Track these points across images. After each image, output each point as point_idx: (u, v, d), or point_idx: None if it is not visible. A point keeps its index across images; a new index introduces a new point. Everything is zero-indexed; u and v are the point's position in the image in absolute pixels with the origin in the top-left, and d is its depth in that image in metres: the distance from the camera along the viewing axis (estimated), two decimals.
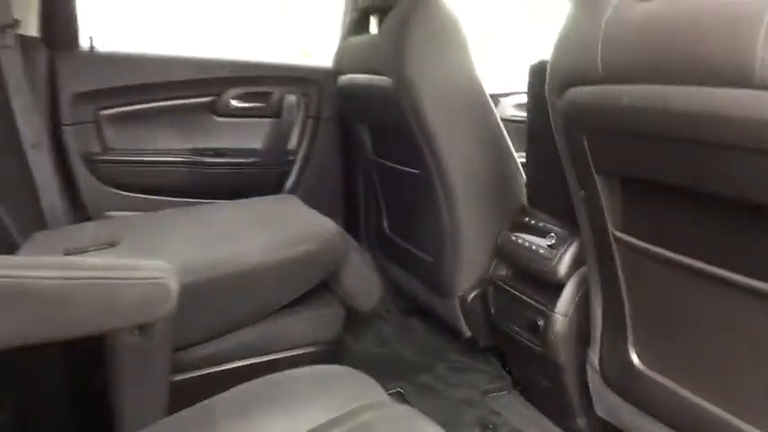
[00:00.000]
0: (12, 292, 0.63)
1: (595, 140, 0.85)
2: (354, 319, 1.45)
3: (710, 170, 0.70)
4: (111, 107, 1.58)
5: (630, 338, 0.98)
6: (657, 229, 0.86)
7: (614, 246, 0.92)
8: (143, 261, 0.74)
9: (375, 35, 1.45)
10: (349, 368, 0.82)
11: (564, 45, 0.88)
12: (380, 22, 1.43)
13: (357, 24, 1.61)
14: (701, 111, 0.63)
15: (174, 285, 0.74)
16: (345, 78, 1.54)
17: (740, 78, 0.58)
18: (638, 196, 0.87)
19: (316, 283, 1.28)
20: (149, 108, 1.61)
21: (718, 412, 0.84)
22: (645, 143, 0.76)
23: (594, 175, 0.88)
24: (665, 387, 0.93)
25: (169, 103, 1.63)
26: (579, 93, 0.82)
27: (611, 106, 0.77)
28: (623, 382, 1.03)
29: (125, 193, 1.60)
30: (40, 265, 0.66)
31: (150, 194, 1.61)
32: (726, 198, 0.70)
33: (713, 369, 0.87)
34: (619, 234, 0.91)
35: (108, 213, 1.55)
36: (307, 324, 1.27)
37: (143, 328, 0.81)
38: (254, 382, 0.83)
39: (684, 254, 0.81)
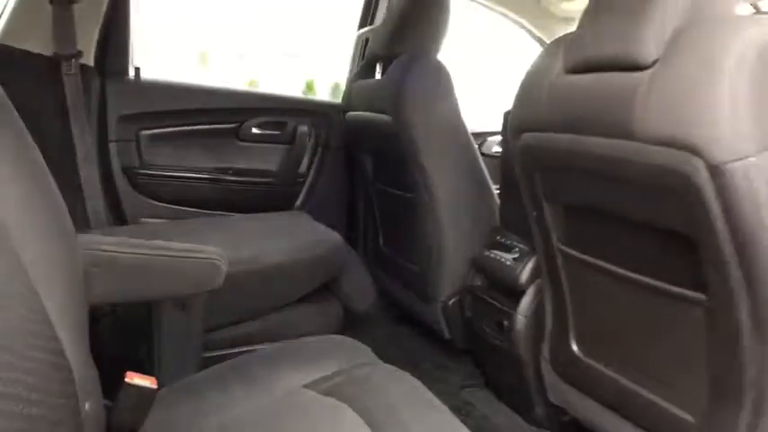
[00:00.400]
0: (111, 263, 0.88)
1: (542, 174, 1.10)
2: (351, 321, 1.69)
3: (622, 200, 0.95)
4: (150, 128, 1.78)
5: (573, 333, 1.19)
6: (592, 243, 1.07)
7: (559, 257, 1.16)
8: (202, 246, 0.99)
9: (380, 80, 1.72)
10: (347, 337, 1.04)
11: (521, 98, 1.12)
12: (384, 69, 1.71)
13: (365, 69, 1.88)
14: (607, 155, 0.89)
15: (224, 266, 0.98)
16: (353, 114, 1.81)
17: (625, 133, 0.84)
18: (577, 217, 1.09)
19: (320, 284, 1.53)
20: (182, 131, 1.82)
21: (643, 392, 1.04)
22: (577, 178, 1.02)
23: (543, 201, 1.13)
24: (602, 373, 1.13)
25: (200, 127, 1.84)
26: (531, 137, 1.08)
27: (552, 149, 1.03)
28: (569, 370, 1.23)
29: (158, 203, 1.80)
30: (131, 244, 0.90)
31: (179, 205, 1.81)
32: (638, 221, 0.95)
33: (638, 356, 1.06)
34: (562, 247, 1.14)
35: (143, 219, 1.76)
36: (312, 318, 1.51)
37: (185, 305, 1.05)
38: (267, 347, 1.04)
39: (613, 263, 1.03)
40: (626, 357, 1.09)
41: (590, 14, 0.97)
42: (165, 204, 1.82)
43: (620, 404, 1.12)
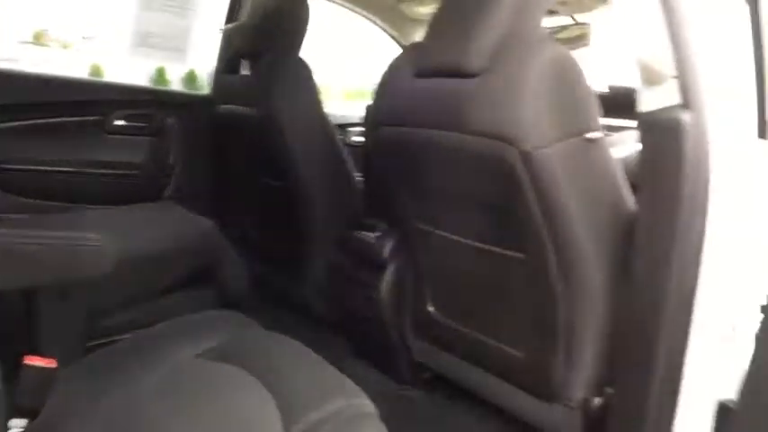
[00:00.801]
0: None
1: (398, 162, 1.28)
2: (228, 307, 1.76)
3: (460, 182, 1.16)
4: (6, 121, 1.72)
5: (429, 298, 1.38)
6: (441, 219, 1.25)
7: (415, 233, 1.32)
8: (83, 232, 1.03)
9: (248, 75, 1.82)
10: (234, 312, 1.14)
11: (380, 95, 1.27)
12: (252, 65, 1.80)
13: (231, 64, 1.96)
14: (447, 145, 1.08)
15: (108, 252, 1.03)
16: (222, 108, 1.89)
17: (460, 127, 1.04)
18: (428, 198, 1.26)
19: (193, 272, 1.60)
20: (45, 123, 1.78)
21: (487, 339, 1.24)
22: (425, 165, 1.20)
23: (399, 185, 1.31)
24: (455, 329, 1.33)
25: (63, 119, 1.80)
26: (388, 130, 1.24)
27: (406, 141, 1.20)
28: (428, 331, 1.42)
29: (23, 199, 1.75)
30: (8, 234, 0.93)
31: (45, 200, 1.77)
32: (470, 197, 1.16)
33: (481, 310, 1.27)
34: (417, 225, 1.31)
35: (6, 216, 1.71)
36: (187, 305, 1.57)
37: (67, 292, 1.09)
38: (154, 328, 1.09)
39: (458, 235, 1.22)
40: (473, 313, 1.30)
41: (433, 28, 1.15)
42: (29, 200, 1.77)
43: (470, 354, 1.32)
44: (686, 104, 0.88)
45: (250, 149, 1.88)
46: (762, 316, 0.80)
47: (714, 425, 0.89)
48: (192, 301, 1.61)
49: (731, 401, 0.85)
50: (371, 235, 1.59)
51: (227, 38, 2.03)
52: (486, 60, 1.01)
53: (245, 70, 1.90)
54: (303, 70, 1.68)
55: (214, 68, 2.10)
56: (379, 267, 1.54)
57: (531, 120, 0.95)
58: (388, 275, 1.53)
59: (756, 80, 0.93)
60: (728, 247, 0.89)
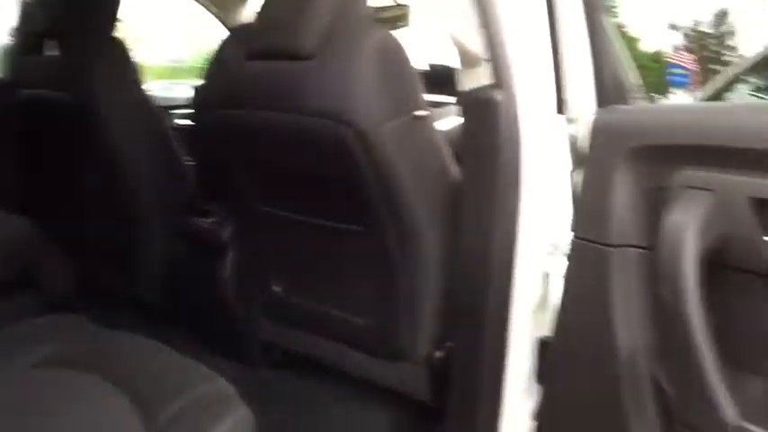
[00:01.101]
0: None
1: (234, 145, 1.27)
2: (55, 308, 1.63)
3: (300, 162, 1.18)
4: None
5: (274, 277, 1.39)
6: (282, 199, 1.26)
7: (256, 215, 1.32)
8: None
9: (56, 56, 1.65)
10: (64, 314, 1.07)
11: (210, 77, 1.24)
12: (62, 45, 1.64)
13: (31, 43, 1.76)
14: (285, 127, 1.10)
15: None
16: (25, 93, 1.70)
17: (297, 108, 1.07)
18: (268, 179, 1.26)
19: (14, 275, 1.46)
20: None
21: (333, 311, 1.28)
22: (263, 147, 1.21)
23: (238, 168, 1.30)
24: (301, 305, 1.36)
25: None
26: (222, 113, 1.22)
27: (241, 123, 1.19)
28: (274, 309, 1.43)
29: None
30: None
31: None
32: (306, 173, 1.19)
33: (326, 284, 1.31)
34: (258, 206, 1.30)
35: None
36: (13, 310, 1.43)
37: None
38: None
39: (300, 214, 1.24)
40: (318, 288, 1.34)
41: (263, 10, 1.15)
42: None
43: (318, 327, 1.36)
44: (498, 84, 0.99)
45: (66, 138, 1.72)
46: (566, 261, 0.95)
47: (537, 360, 1.03)
48: (16, 308, 1.47)
49: (548, 337, 1.00)
50: (208, 221, 1.56)
51: (28, 13, 1.83)
52: (317, 43, 1.04)
53: (49, 50, 1.73)
54: (120, 50, 1.58)
55: (8, 48, 1.88)
56: (219, 253, 1.53)
57: (365, 100, 1.00)
58: (229, 261, 1.52)
59: (553, 60, 1.07)
60: (539, 206, 1.02)
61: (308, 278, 1.35)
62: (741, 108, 0.99)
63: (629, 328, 0.84)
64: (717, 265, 0.71)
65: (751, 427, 0.66)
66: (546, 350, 1.01)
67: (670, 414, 0.77)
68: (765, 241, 0.69)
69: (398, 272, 1.17)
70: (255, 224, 1.36)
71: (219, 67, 1.22)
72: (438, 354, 1.22)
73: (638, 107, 1.18)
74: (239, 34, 1.21)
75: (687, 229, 0.71)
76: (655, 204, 0.80)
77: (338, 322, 1.31)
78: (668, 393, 0.76)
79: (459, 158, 1.14)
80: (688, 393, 0.72)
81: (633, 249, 0.84)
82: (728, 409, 0.67)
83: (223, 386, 0.87)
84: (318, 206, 1.21)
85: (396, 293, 1.19)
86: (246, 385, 0.90)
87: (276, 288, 1.41)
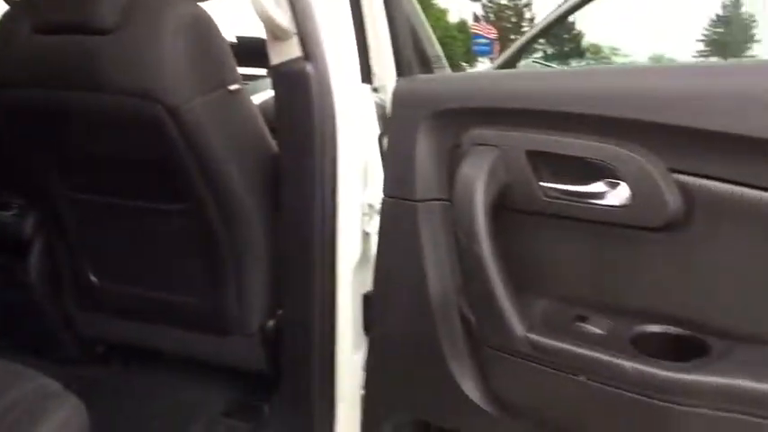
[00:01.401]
0: None
1: (27, 130, 1.16)
2: None
3: (107, 144, 1.12)
4: None
5: (90, 267, 1.32)
6: (95, 184, 1.20)
7: (65, 203, 1.24)
8: None
9: None
10: None
11: None
12: None
13: None
14: (85, 107, 1.04)
15: None
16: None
17: (97, 86, 1.02)
18: (74, 163, 1.19)
19: None
20: None
21: (162, 295, 1.25)
22: (62, 130, 1.13)
23: (39, 155, 1.20)
24: (125, 293, 1.30)
25: None
26: (9, 93, 1.12)
27: (35, 105, 1.10)
28: (94, 301, 1.35)
29: None
30: None
31: None
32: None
33: (151, 268, 1.27)
34: (67, 193, 1.22)
35: None
36: None
37: None
38: None
39: (116, 198, 1.19)
40: (141, 273, 1.30)
41: None
42: None
43: (145, 314, 1.33)
44: (307, 56, 1.03)
45: None
46: (378, 217, 1.03)
47: (362, 314, 1.11)
48: None
49: (370, 292, 1.07)
50: (6, 213, 1.42)
51: None
52: (118, 17, 1.00)
53: None
54: None
55: None
56: (22, 247, 1.40)
57: (173, 76, 0.98)
58: (35, 254, 1.41)
59: (358, 33, 1.13)
60: (354, 170, 1.09)
61: (131, 264, 1.30)
62: (522, 75, 1.14)
63: (439, 272, 0.93)
64: (502, 208, 0.83)
65: (534, 336, 0.79)
66: (369, 304, 1.09)
67: (476, 339, 0.89)
68: (539, 186, 0.82)
69: (224, 246, 1.17)
70: (64, 213, 1.27)
71: (3, 43, 1.11)
72: (270, 323, 1.25)
73: (437, 76, 1.30)
74: (24, 7, 1.11)
75: (476, 180, 0.81)
76: (452, 161, 0.90)
77: (167, 306, 1.28)
78: (472, 321, 0.88)
79: (274, 130, 1.17)
80: (486, 318, 0.84)
81: (437, 203, 0.93)
82: (518, 326, 0.80)
83: (47, 383, 0.83)
84: (135, 187, 1.17)
85: (222, 268, 1.19)
86: (69, 384, 0.86)
87: (94, 278, 1.34)
